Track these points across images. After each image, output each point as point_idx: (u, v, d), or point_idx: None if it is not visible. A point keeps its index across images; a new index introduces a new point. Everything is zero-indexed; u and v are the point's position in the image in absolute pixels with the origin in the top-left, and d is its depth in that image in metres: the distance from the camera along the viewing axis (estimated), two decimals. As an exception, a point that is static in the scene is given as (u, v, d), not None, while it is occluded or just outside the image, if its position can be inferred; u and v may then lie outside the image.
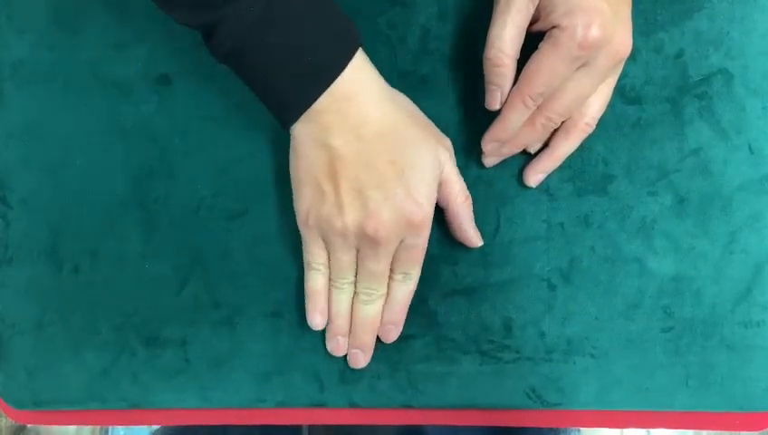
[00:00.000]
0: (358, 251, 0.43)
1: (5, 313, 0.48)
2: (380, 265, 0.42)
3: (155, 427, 0.67)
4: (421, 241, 0.42)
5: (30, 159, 0.48)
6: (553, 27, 0.39)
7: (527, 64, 0.40)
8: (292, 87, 0.39)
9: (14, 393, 0.48)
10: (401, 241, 0.42)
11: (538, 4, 0.39)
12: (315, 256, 0.44)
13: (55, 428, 1.29)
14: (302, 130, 0.41)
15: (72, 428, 1.29)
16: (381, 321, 0.45)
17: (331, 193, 0.41)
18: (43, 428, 1.29)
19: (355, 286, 0.44)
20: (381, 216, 0.40)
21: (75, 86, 0.48)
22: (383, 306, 0.45)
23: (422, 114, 0.44)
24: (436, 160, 0.42)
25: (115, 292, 0.48)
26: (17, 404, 0.49)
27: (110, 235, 0.48)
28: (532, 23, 0.40)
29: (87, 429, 1.28)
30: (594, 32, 0.38)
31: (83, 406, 0.48)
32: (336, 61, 0.39)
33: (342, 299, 0.45)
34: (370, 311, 0.44)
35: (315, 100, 0.39)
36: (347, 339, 0.46)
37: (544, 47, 0.39)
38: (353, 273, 0.44)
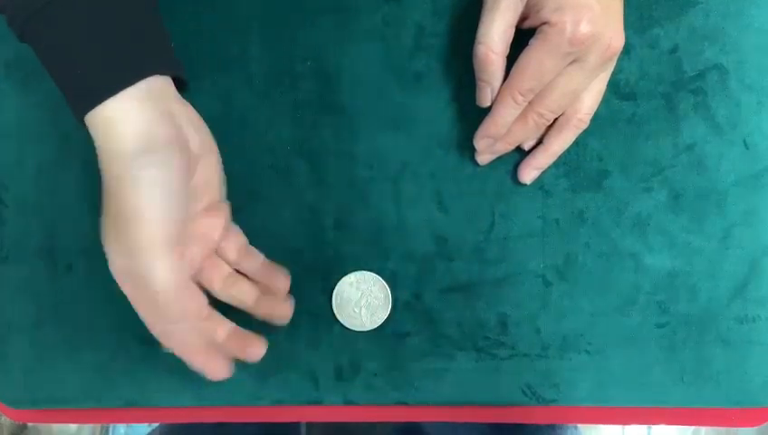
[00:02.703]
0: None
1: (1, 312, 0.48)
2: None
3: (154, 424, 0.67)
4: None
5: (25, 158, 0.48)
6: (543, 24, 0.39)
7: (517, 61, 0.40)
8: (69, 92, 0.36)
9: (10, 392, 0.49)
10: None
11: (527, 1, 0.39)
12: None
13: (56, 426, 1.29)
14: None
15: (73, 426, 1.29)
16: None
17: None
18: (43, 426, 1.29)
19: None
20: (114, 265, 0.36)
21: (70, 85, 0.48)
22: None
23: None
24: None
25: (111, 290, 0.47)
26: (14, 403, 0.49)
27: (105, 233, 0.48)
28: (521, 19, 0.40)
29: (88, 427, 1.29)
30: (584, 28, 0.37)
31: (80, 404, 0.48)
32: (99, 88, 0.35)
33: None
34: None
35: (82, 117, 0.36)
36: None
37: (534, 44, 0.39)
38: None
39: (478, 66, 0.41)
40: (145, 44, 0.37)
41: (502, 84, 0.41)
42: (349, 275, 0.46)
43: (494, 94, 0.42)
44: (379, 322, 0.46)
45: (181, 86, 0.39)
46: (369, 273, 0.46)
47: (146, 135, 0.35)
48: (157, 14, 0.38)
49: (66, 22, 0.35)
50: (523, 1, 0.39)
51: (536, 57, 0.39)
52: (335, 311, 0.46)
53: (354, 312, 0.46)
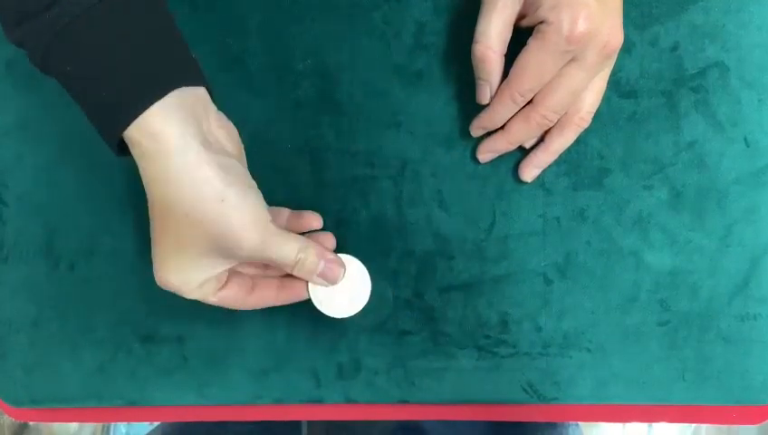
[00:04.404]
0: None
1: (1, 310, 0.48)
2: None
3: (154, 423, 0.67)
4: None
5: (26, 157, 0.48)
6: (540, 22, 0.39)
7: (516, 61, 0.40)
8: (97, 120, 0.37)
9: (11, 391, 0.49)
10: None
11: (525, 0, 0.39)
12: None
13: (56, 425, 1.29)
14: None
15: (74, 425, 1.29)
16: None
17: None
18: (44, 425, 1.29)
19: None
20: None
21: (70, 84, 0.48)
22: None
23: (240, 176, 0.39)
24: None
25: (111, 289, 0.48)
26: (14, 402, 0.49)
27: (105, 232, 0.48)
28: (519, 18, 0.40)
29: (88, 426, 1.29)
30: (581, 25, 0.37)
31: (80, 403, 0.48)
32: (129, 107, 0.35)
33: None
34: None
35: (118, 136, 0.36)
36: None
37: (532, 43, 0.39)
38: None
39: (477, 65, 0.41)
40: (170, 58, 0.37)
41: (501, 82, 0.42)
42: None
43: (493, 92, 0.42)
44: (360, 307, 0.43)
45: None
46: (347, 256, 0.43)
47: (199, 132, 0.36)
48: (174, 28, 0.38)
49: (90, 43, 0.35)
50: (521, 0, 0.39)
51: (535, 57, 0.39)
52: (311, 294, 0.43)
53: (330, 297, 0.43)
